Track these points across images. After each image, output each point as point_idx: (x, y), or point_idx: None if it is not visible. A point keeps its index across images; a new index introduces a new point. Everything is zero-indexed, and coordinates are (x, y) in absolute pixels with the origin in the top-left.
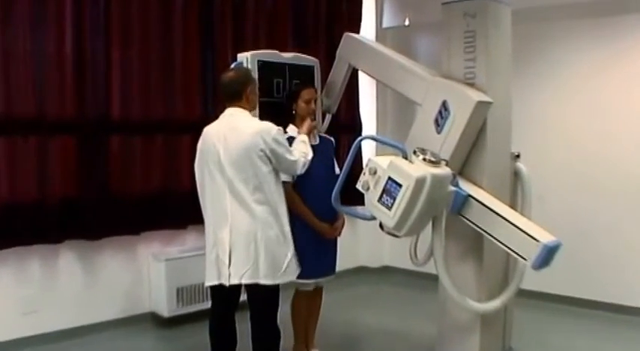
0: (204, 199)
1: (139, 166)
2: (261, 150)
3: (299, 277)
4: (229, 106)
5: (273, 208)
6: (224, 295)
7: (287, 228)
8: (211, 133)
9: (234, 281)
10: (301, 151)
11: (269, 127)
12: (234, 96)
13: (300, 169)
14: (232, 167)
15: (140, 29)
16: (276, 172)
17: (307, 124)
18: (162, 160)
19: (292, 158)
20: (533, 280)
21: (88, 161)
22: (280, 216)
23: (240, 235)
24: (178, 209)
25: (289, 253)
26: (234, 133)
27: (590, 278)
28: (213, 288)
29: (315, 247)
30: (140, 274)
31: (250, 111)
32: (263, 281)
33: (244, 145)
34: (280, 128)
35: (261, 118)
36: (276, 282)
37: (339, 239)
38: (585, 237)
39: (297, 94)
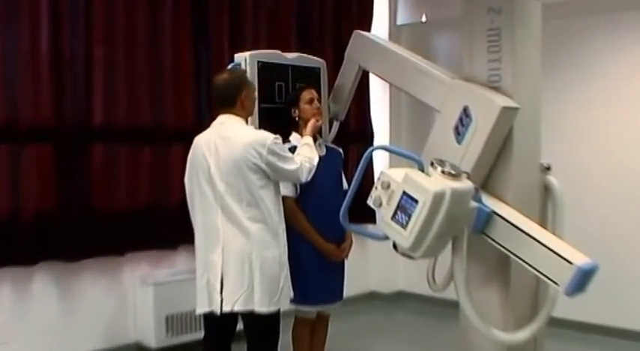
0: (194, 216)
1: (124, 179)
2: (254, 163)
3: (301, 303)
4: (222, 113)
5: (270, 227)
6: (218, 324)
7: (285, 249)
8: (201, 143)
9: (227, 309)
10: (305, 156)
11: (263, 137)
12: (226, 101)
13: (306, 176)
14: (223, 181)
15: (126, 25)
16: (275, 185)
17: (311, 124)
18: (150, 173)
19: (292, 167)
20: (566, 307)
21: (66, 173)
22: (279, 236)
23: (233, 256)
24: (168, 227)
25: (283, 275)
26: (225, 144)
27: (629, 305)
28: (205, 316)
29: (319, 270)
30: (125, 300)
31: (245, 118)
32: (258, 308)
33: (235, 158)
34: (277, 136)
35: (261, 126)
36: (272, 309)
37: (346, 261)
38: (621, 259)
39: (297, 98)
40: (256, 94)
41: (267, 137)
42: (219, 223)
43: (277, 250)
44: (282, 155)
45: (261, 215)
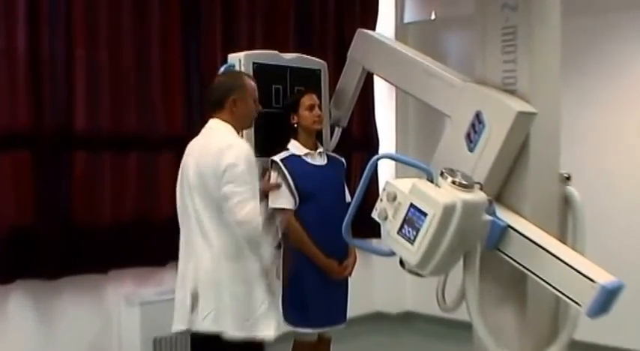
0: (180, 228)
1: (108, 190)
2: (217, 174)
3: (300, 325)
4: (212, 117)
5: (237, 239)
6: (201, 345)
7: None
8: (189, 150)
9: (197, 328)
10: (258, 208)
11: (231, 145)
12: (214, 104)
13: (248, 234)
14: (196, 192)
15: (110, 24)
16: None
17: (264, 185)
18: (136, 183)
19: (238, 215)
20: (589, 330)
21: (45, 183)
22: (255, 247)
23: (202, 272)
24: (156, 242)
25: (259, 294)
26: (203, 152)
27: None
28: (191, 335)
29: (320, 289)
30: (109, 321)
31: (236, 125)
32: (228, 332)
33: (205, 167)
34: (249, 152)
35: (257, 132)
36: (243, 334)
37: (350, 279)
38: None
39: (296, 103)
40: (252, 100)
41: (236, 146)
42: (193, 235)
43: (252, 267)
44: (240, 179)
45: (228, 227)
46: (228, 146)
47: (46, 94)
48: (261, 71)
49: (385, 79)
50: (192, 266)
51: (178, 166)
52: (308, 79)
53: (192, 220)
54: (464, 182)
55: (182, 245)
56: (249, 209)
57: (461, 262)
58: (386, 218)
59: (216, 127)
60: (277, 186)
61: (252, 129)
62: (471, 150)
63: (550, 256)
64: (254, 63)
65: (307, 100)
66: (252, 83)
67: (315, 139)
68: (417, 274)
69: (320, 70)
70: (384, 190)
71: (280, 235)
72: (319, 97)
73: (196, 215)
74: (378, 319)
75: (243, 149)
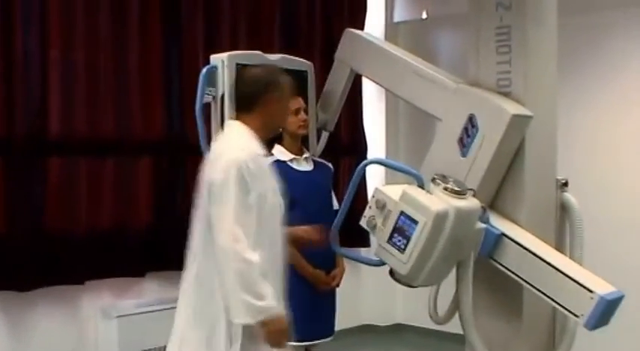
0: None
1: (84, 197)
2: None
3: None
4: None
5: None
6: None
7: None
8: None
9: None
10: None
11: (224, 153)
12: (242, 102)
13: (222, 256)
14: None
15: (86, 24)
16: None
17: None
18: (113, 189)
19: (220, 239)
20: (589, 343)
21: (17, 189)
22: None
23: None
24: (134, 252)
25: (220, 320)
26: (209, 159)
27: None
28: None
29: (306, 300)
30: (84, 335)
31: (262, 130)
32: None
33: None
34: (243, 162)
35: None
36: None
37: (337, 291)
38: None
39: None
40: (287, 105)
41: (229, 155)
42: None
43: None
44: (223, 196)
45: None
46: (224, 149)
47: (18, 97)
48: None
49: (374, 81)
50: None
51: (157, 172)
52: (294, 81)
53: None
54: (456, 188)
55: None
56: (226, 225)
57: (454, 272)
58: (375, 226)
59: (230, 128)
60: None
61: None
62: (463, 155)
63: (546, 265)
64: (237, 64)
65: (293, 104)
66: (290, 84)
67: (300, 144)
68: (408, 285)
69: (306, 72)
70: (373, 197)
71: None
72: (305, 100)
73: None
74: (367, 331)
75: (236, 157)
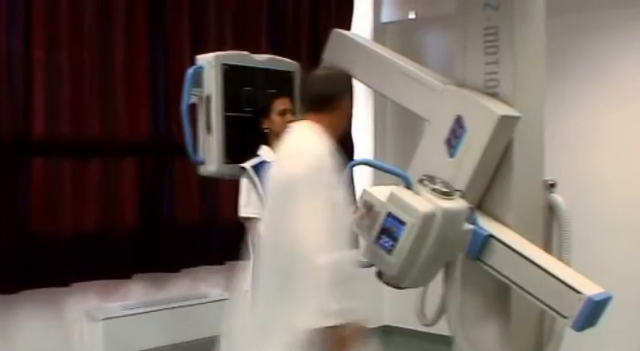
0: None
1: (68, 198)
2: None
3: None
4: (307, 117)
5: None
6: None
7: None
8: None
9: None
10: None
11: (306, 149)
12: (317, 101)
13: (308, 255)
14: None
15: (71, 23)
16: None
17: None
18: (99, 191)
19: (306, 224)
20: (576, 345)
21: (1, 191)
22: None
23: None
24: (120, 254)
25: None
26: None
27: None
28: None
29: None
30: (69, 338)
31: (333, 132)
32: None
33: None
34: (329, 158)
35: (228, 138)
36: None
37: None
38: None
39: (268, 108)
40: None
41: (310, 163)
42: None
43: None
44: (306, 208)
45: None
46: (299, 152)
47: (2, 97)
48: (231, 73)
49: (361, 82)
50: None
51: (143, 174)
52: (280, 82)
53: None
54: (444, 190)
55: None
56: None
57: (441, 274)
58: (362, 228)
59: (300, 128)
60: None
61: (221, 134)
62: (451, 156)
63: (534, 266)
64: (224, 64)
65: (279, 104)
66: None
67: None
68: (396, 286)
69: (293, 72)
70: (360, 198)
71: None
72: (292, 101)
73: None
74: None
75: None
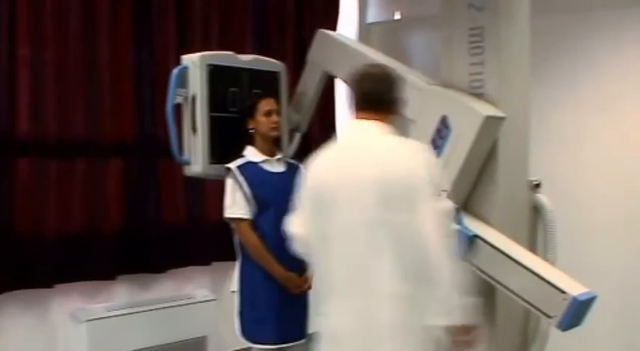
0: None
1: (53, 199)
2: None
3: (257, 341)
4: (367, 117)
5: None
6: None
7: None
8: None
9: None
10: None
11: (411, 151)
12: (384, 102)
13: (438, 256)
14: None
15: (56, 23)
16: None
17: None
18: (84, 192)
19: (430, 226)
20: (561, 344)
21: None
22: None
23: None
24: (105, 255)
25: None
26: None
27: None
28: None
29: (278, 303)
30: (53, 339)
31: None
32: None
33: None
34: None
35: (213, 138)
36: None
37: (310, 293)
38: (634, 291)
39: (253, 108)
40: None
41: (423, 165)
42: None
43: None
44: (427, 211)
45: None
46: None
47: None
48: (216, 73)
49: (347, 83)
50: None
51: (128, 174)
52: (266, 82)
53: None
54: None
55: None
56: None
57: None
58: None
59: (374, 128)
60: None
61: (207, 134)
62: (436, 156)
63: (519, 266)
64: (209, 65)
65: (265, 105)
66: None
67: (272, 146)
68: None
69: (278, 73)
70: None
71: (237, 246)
72: (278, 101)
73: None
74: None
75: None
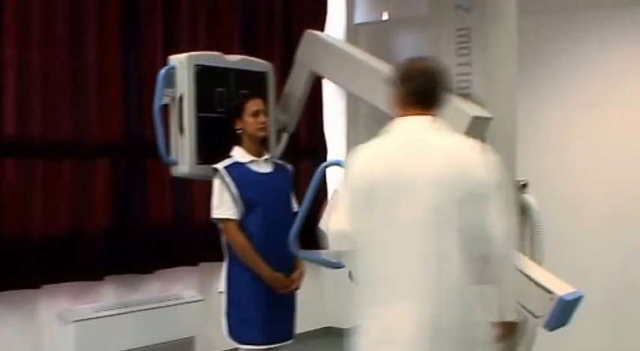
0: None
1: (39, 200)
2: None
3: (244, 342)
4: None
5: None
6: None
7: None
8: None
9: None
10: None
11: (476, 152)
12: (438, 99)
13: (506, 255)
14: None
15: (43, 23)
16: None
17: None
18: (70, 192)
19: (499, 226)
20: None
21: None
22: None
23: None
24: (92, 255)
25: None
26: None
27: (630, 345)
28: None
29: (266, 303)
30: (40, 340)
31: None
32: None
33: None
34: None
35: (200, 139)
36: None
37: (298, 293)
38: (621, 292)
39: (240, 108)
40: None
41: (491, 168)
42: None
43: None
44: (497, 211)
45: None
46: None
47: None
48: (204, 74)
49: (334, 82)
50: None
51: (115, 174)
52: (253, 82)
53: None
54: None
55: None
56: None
57: None
58: None
59: (436, 126)
60: None
61: (194, 135)
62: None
63: None
64: (196, 65)
65: (252, 105)
66: None
67: (260, 146)
68: None
69: (266, 73)
70: (332, 198)
71: (224, 247)
72: (265, 102)
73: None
74: (328, 334)
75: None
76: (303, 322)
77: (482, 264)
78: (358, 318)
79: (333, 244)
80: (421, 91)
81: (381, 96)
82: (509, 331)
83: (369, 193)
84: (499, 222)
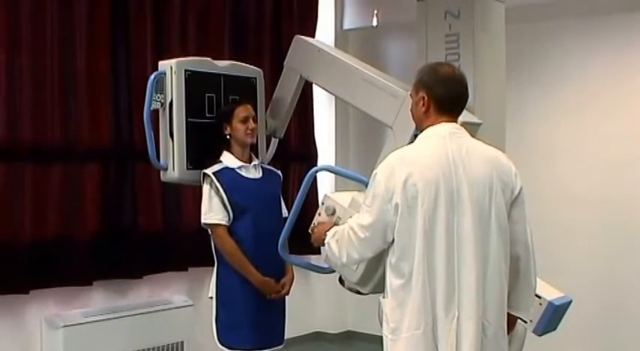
0: None
1: (28, 204)
2: None
3: (235, 347)
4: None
5: None
6: None
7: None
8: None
9: None
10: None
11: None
12: (463, 106)
13: (532, 255)
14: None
15: (32, 28)
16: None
17: None
18: (59, 197)
19: (528, 227)
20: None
21: None
22: None
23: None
24: (81, 260)
25: None
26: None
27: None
28: None
29: (255, 308)
30: (28, 345)
31: None
32: None
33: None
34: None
35: (190, 144)
36: None
37: (287, 298)
38: (610, 296)
39: (230, 114)
40: None
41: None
42: None
43: None
44: (525, 214)
45: None
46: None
47: None
48: (193, 79)
49: (324, 88)
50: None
51: (104, 179)
52: (243, 88)
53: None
54: None
55: None
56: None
57: None
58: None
59: (464, 133)
60: None
61: (183, 140)
62: None
63: None
64: (186, 70)
65: (241, 111)
66: None
67: (249, 151)
68: (358, 292)
69: (255, 79)
70: (322, 203)
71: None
72: (254, 107)
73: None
74: (317, 339)
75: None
76: (292, 327)
77: (518, 268)
78: (404, 325)
79: (335, 266)
80: (458, 98)
81: (370, 101)
82: (512, 327)
83: (413, 198)
84: (529, 228)
